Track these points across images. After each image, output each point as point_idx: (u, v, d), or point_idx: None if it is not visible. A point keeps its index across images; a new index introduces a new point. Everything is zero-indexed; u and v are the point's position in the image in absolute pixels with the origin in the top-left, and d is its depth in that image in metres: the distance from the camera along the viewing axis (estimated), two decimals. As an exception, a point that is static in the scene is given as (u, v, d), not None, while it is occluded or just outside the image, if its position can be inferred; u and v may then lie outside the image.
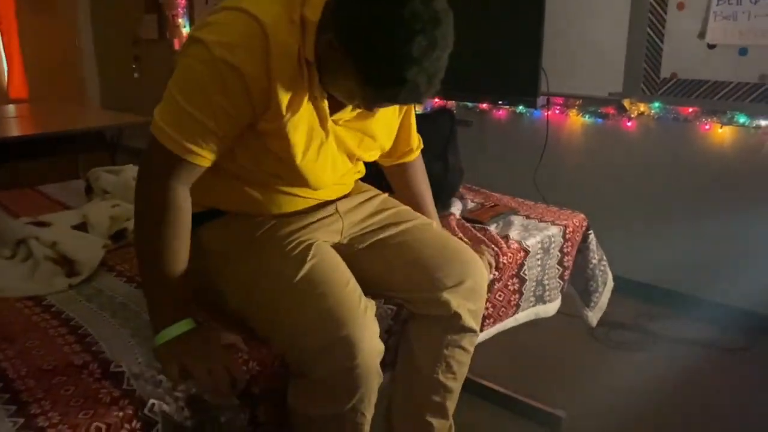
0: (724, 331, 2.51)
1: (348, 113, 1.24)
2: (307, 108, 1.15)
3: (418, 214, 1.46)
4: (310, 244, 1.22)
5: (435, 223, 1.50)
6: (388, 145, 1.39)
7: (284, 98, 1.11)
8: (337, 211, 1.34)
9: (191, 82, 1.09)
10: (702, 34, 2.47)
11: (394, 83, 1.02)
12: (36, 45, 5.58)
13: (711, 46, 2.46)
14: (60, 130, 3.13)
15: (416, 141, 1.53)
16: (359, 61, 1.02)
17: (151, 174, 1.14)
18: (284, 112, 1.12)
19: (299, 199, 1.30)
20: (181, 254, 1.15)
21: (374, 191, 1.47)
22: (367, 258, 1.33)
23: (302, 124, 1.16)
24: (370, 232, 1.38)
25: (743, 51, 2.40)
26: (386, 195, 1.48)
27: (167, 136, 1.10)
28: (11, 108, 3.90)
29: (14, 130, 3.21)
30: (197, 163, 1.12)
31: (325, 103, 1.18)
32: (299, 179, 1.22)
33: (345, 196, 1.40)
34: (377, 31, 0.99)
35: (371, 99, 1.09)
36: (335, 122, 1.23)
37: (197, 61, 1.08)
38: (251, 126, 1.15)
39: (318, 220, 1.30)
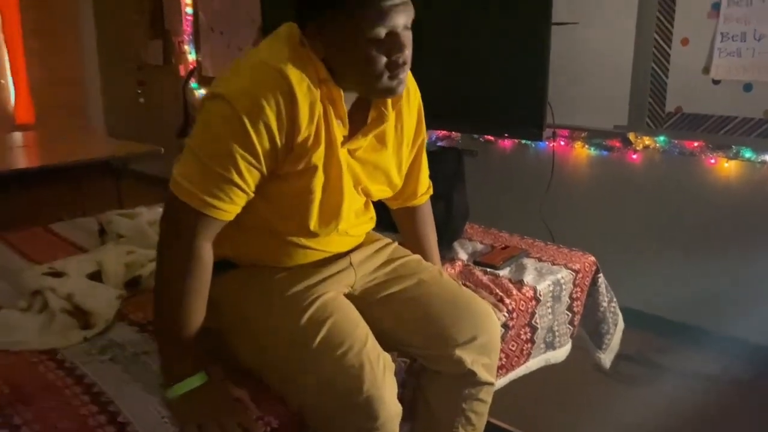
0: (733, 364, 2.51)
1: (361, 141, 1.24)
2: (324, 141, 1.16)
3: (429, 265, 1.46)
4: (326, 301, 1.22)
5: (445, 274, 1.50)
6: (399, 181, 1.39)
7: (308, 138, 1.13)
8: (350, 264, 1.35)
9: (212, 137, 1.10)
10: (706, 70, 2.49)
11: None
12: (42, 70, 5.61)
13: (716, 82, 2.48)
14: (66, 162, 3.14)
15: (426, 185, 1.54)
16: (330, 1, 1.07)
17: (174, 232, 1.14)
18: (308, 151, 1.14)
19: (312, 252, 1.30)
20: (200, 310, 1.17)
21: (385, 240, 1.48)
22: (379, 312, 1.32)
23: (321, 158, 1.17)
24: (381, 283, 1.38)
25: (748, 87, 2.41)
26: (396, 244, 1.49)
27: (187, 191, 1.10)
28: (18, 136, 3.90)
29: (21, 162, 3.23)
30: (218, 217, 1.13)
31: (340, 131, 1.19)
32: (312, 225, 1.21)
33: (358, 247, 1.40)
34: None
35: (373, 22, 1.07)
36: (351, 153, 1.24)
37: (218, 116, 1.09)
38: (272, 171, 1.15)
39: (332, 275, 1.30)
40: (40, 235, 2.07)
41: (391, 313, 1.33)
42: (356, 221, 1.34)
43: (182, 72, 4.75)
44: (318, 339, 1.15)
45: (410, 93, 1.36)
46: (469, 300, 1.37)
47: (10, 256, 1.87)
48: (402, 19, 1.10)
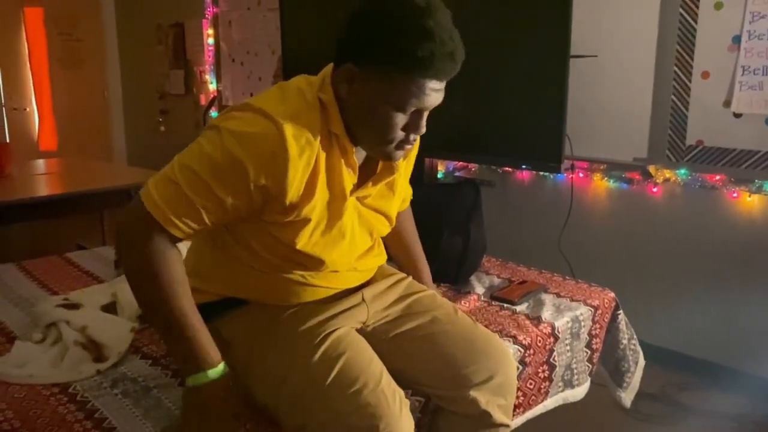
0: (758, 404, 2.43)
1: (371, 189, 1.23)
2: (335, 190, 1.15)
3: (444, 301, 1.43)
4: (339, 337, 1.21)
5: (460, 311, 1.45)
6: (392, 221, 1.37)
7: (297, 193, 1.10)
8: (363, 300, 1.33)
9: (196, 165, 1.08)
10: (727, 103, 2.46)
11: (420, 41, 1.03)
12: (66, 98, 5.73)
13: (737, 115, 2.45)
14: (87, 190, 3.18)
15: (408, 192, 1.51)
16: (384, 54, 1.05)
17: (131, 238, 1.10)
18: (297, 205, 1.12)
19: (319, 290, 1.28)
20: (186, 298, 1.11)
21: (399, 275, 1.45)
22: (393, 350, 1.30)
23: (314, 209, 1.15)
24: (394, 320, 1.36)
25: (770, 120, 2.38)
26: (411, 278, 1.47)
27: (156, 205, 1.07)
28: (41, 163, 3.97)
29: (43, 189, 3.27)
30: (177, 235, 1.10)
31: (351, 179, 1.18)
32: (311, 261, 1.20)
33: (370, 282, 1.38)
34: (388, 20, 1.05)
35: (410, 95, 1.06)
36: (360, 201, 1.23)
37: (208, 144, 1.08)
38: (253, 215, 1.13)
39: (344, 311, 1.28)
40: (57, 264, 2.09)
41: (405, 351, 1.31)
42: (359, 262, 1.32)
43: (203, 101, 4.82)
44: (332, 376, 1.14)
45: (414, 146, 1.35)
46: (485, 339, 1.35)
47: (27, 285, 1.89)
48: (433, 102, 1.11)
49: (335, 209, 1.19)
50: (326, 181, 1.15)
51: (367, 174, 1.22)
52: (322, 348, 1.18)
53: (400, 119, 1.10)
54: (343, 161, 1.16)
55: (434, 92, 1.09)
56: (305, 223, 1.15)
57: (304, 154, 1.09)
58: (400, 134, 1.12)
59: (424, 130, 1.14)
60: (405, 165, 1.37)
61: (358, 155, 1.20)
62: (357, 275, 1.34)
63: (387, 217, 1.32)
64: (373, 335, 1.32)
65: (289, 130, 1.07)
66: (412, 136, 1.13)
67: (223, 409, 1.12)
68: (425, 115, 1.12)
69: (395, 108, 1.08)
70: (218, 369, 1.13)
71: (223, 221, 1.13)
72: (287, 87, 1.17)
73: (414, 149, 1.38)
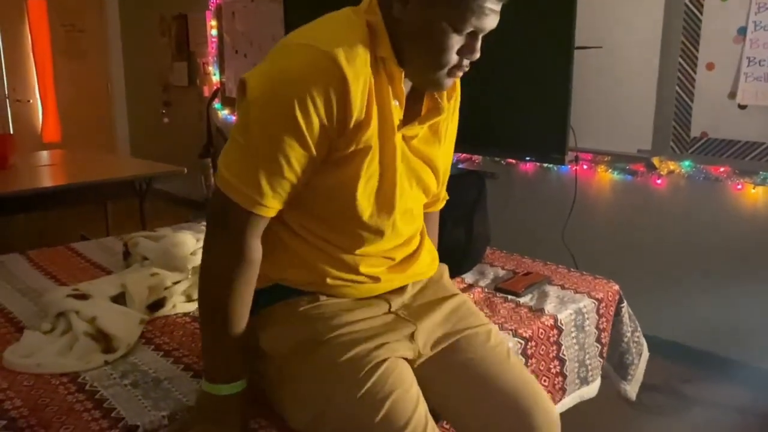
0: (761, 396, 2.44)
1: (417, 128, 1.18)
2: (379, 120, 1.10)
3: (500, 340, 1.31)
4: (388, 370, 1.12)
5: (513, 355, 1.33)
6: (436, 185, 1.30)
7: (360, 118, 1.06)
8: (414, 336, 1.23)
9: (258, 125, 1.03)
10: (733, 95, 2.46)
11: None
12: (70, 90, 5.73)
13: (742, 107, 2.45)
14: (91, 181, 3.18)
15: (444, 191, 1.46)
16: None
17: (221, 229, 1.09)
18: (360, 131, 1.07)
19: (365, 258, 1.20)
20: (246, 308, 1.13)
21: (457, 299, 1.34)
22: (430, 386, 1.21)
23: (373, 137, 1.10)
24: (442, 352, 1.25)
25: (776, 112, 2.38)
26: (468, 302, 1.36)
27: (233, 188, 1.04)
28: (45, 155, 3.98)
29: (47, 181, 3.27)
30: (265, 215, 1.08)
31: (397, 113, 1.12)
32: (365, 215, 1.13)
33: (427, 310, 1.28)
34: None
35: (469, 13, 1.02)
36: (407, 140, 1.17)
37: (265, 101, 1.02)
38: (324, 158, 1.08)
39: (392, 342, 1.19)
40: (63, 254, 2.09)
41: (442, 390, 1.24)
42: (406, 220, 1.24)
43: (206, 93, 4.82)
44: (378, 418, 1.07)
45: (457, 93, 1.31)
46: (532, 397, 1.23)
47: (34, 275, 1.89)
48: (490, 24, 1.06)
49: (387, 144, 1.12)
50: (377, 109, 1.08)
51: (412, 114, 1.17)
52: (368, 384, 1.09)
53: (456, 41, 1.05)
54: (390, 90, 1.10)
55: (492, 13, 1.05)
56: (366, 152, 1.09)
57: (359, 79, 1.04)
58: (454, 58, 1.07)
59: (478, 54, 1.09)
60: (452, 113, 1.29)
61: (404, 87, 1.14)
62: (399, 250, 1.25)
63: (433, 168, 1.25)
64: (417, 365, 1.23)
65: (341, 54, 1.01)
66: (465, 61, 1.09)
67: (233, 421, 1.13)
68: (480, 38, 1.08)
69: (453, 28, 1.04)
70: (238, 384, 1.13)
71: (309, 171, 1.07)
72: (332, 15, 1.12)
73: (457, 97, 1.31)
